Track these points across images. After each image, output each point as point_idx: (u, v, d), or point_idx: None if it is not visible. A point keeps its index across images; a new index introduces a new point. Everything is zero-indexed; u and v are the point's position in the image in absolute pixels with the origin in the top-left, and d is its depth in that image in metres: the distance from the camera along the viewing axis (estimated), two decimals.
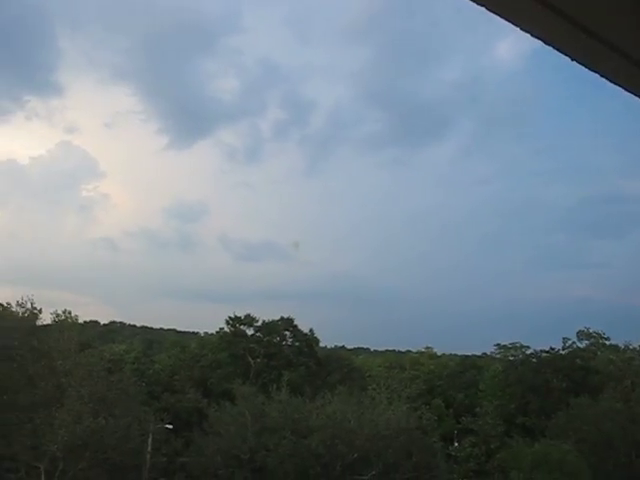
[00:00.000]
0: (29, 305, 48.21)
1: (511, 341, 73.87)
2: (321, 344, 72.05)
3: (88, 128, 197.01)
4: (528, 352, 71.18)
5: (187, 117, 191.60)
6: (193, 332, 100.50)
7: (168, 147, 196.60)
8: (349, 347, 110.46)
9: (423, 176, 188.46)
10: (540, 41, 2.51)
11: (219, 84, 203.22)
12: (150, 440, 44.94)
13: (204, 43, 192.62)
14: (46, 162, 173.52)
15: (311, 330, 69.51)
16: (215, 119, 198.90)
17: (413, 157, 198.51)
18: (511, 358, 72.05)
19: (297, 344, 68.74)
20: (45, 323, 50.91)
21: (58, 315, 52.94)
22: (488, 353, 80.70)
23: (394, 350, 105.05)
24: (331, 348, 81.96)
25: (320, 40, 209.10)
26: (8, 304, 49.52)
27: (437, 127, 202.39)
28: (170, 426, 48.17)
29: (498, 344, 74.32)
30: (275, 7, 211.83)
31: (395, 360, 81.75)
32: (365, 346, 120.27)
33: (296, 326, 69.30)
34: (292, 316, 69.55)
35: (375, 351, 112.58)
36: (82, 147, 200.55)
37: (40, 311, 49.36)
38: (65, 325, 50.79)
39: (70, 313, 53.88)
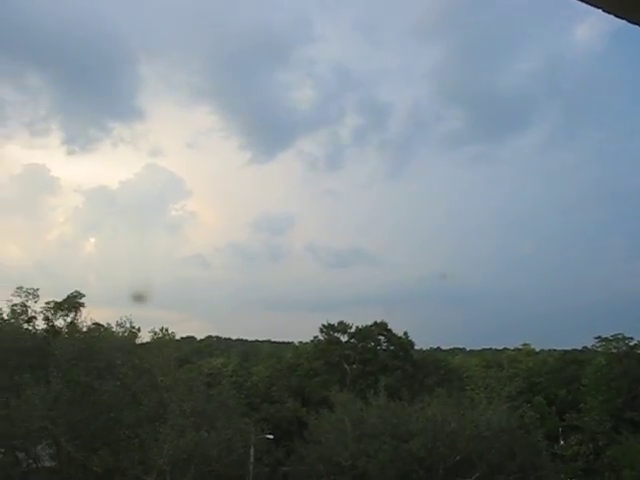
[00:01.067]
0: (128, 325, 49.65)
1: (612, 333, 71.06)
2: (416, 347, 71.34)
3: (172, 149, 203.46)
4: (632, 344, 68.23)
5: (267, 130, 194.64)
6: (287, 342, 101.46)
7: (251, 162, 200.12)
8: (444, 348, 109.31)
9: (506, 170, 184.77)
10: (624, 20, 2.29)
11: (296, 95, 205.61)
12: (252, 451, 45.48)
13: (278, 55, 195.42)
14: (134, 185, 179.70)
15: (405, 333, 68.98)
16: (294, 130, 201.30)
17: (495, 152, 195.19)
18: (614, 351, 69.06)
19: (392, 348, 68.28)
20: (144, 341, 52.37)
21: (156, 333, 54.30)
22: (589, 347, 77.78)
23: (490, 348, 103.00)
24: (426, 350, 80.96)
25: (391, 41, 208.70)
26: (109, 325, 51.20)
27: (517, 119, 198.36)
28: (271, 436, 48.63)
29: (599, 337, 71.47)
30: (343, 12, 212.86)
31: (492, 359, 79.98)
32: (461, 346, 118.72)
33: (390, 330, 68.88)
34: (385, 320, 69.27)
35: (471, 351, 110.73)
36: (168, 168, 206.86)
37: (139, 330, 50.81)
38: (163, 342, 52.06)
39: (167, 330, 55.20)
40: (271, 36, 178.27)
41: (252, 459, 45.49)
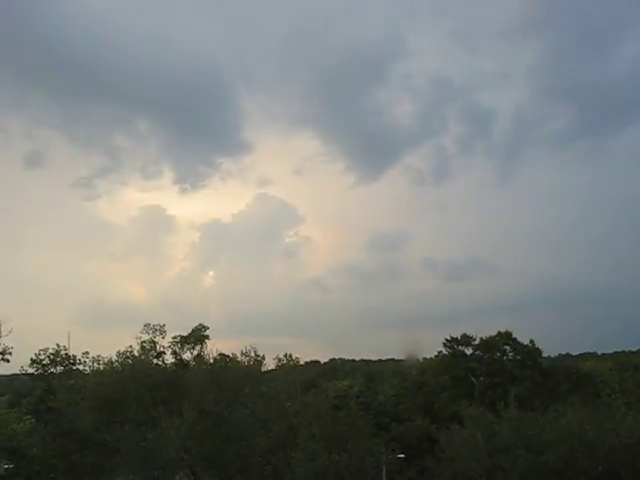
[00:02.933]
0: (253, 353, 50.78)
1: None
2: (544, 354, 69.09)
3: (279, 178, 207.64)
4: None
5: (370, 149, 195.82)
6: None
7: (357, 182, 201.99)
8: (574, 354, 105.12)
9: (624, 161, 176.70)
10: None
11: (396, 110, 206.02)
12: (384, 472, 45.23)
13: (374, 73, 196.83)
14: (247, 216, 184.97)
15: (531, 341, 67.00)
16: (398, 146, 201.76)
17: (608, 143, 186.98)
18: None
19: (518, 358, 66.46)
20: (269, 369, 53.33)
21: (280, 360, 55.27)
22: None
23: (623, 351, 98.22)
24: (555, 357, 78.31)
25: (487, 46, 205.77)
26: (234, 355, 52.50)
27: (629, 108, 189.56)
28: (402, 455, 48.20)
29: None
30: (436, 23, 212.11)
31: (627, 361, 76.15)
32: (591, 350, 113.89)
33: (515, 339, 67.14)
34: (509, 329, 67.57)
35: (603, 354, 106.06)
36: (277, 196, 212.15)
37: (263, 358, 51.82)
38: (288, 368, 52.89)
39: (291, 356, 56.06)
40: (366, 55, 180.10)
41: None
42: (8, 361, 48.66)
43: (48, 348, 48.67)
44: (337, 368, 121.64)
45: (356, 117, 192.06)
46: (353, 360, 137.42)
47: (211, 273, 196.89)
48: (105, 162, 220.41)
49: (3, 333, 47.69)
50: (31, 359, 48.50)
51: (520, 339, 66.98)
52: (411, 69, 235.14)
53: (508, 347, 67.33)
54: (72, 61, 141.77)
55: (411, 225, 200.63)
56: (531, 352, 66.15)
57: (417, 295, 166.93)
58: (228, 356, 52.63)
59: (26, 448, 38.00)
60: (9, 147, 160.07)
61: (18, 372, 50.73)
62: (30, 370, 48.79)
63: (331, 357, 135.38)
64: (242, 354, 50.46)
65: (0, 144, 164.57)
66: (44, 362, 48.40)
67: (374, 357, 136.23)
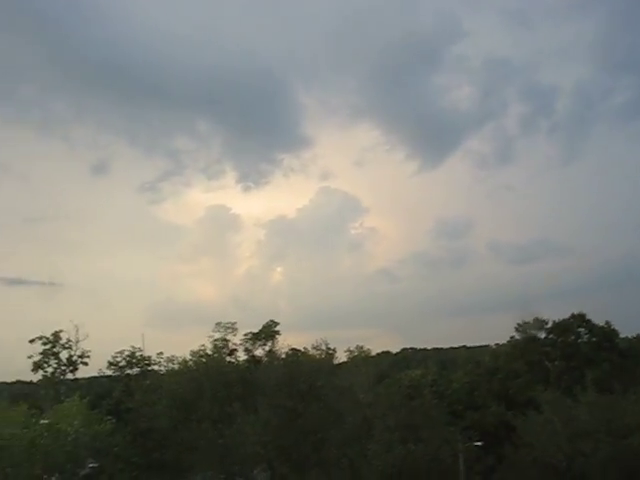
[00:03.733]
0: (324, 347, 51.19)
1: None
2: (621, 335, 67.09)
3: (341, 170, 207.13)
4: None
5: (431, 136, 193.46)
6: (484, 345, 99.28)
7: (419, 170, 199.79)
8: None
9: None
10: None
11: (454, 95, 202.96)
12: (461, 460, 44.85)
13: (430, 58, 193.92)
14: (311, 210, 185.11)
15: (607, 322, 65.16)
16: (458, 130, 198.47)
17: None
18: None
19: (594, 339, 64.75)
20: (341, 361, 53.62)
21: (352, 352, 55.54)
22: None
23: None
24: (633, 338, 75.96)
25: (544, 22, 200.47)
26: (305, 349, 52.99)
27: None
28: (479, 443, 47.66)
29: None
30: (489, 1, 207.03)
31: None
32: None
33: (589, 321, 65.39)
34: (583, 311, 65.90)
35: None
36: (340, 189, 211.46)
37: (335, 350, 52.21)
38: (360, 360, 53.07)
39: (362, 348, 56.25)
40: (420, 40, 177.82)
41: (462, 468, 44.83)
42: (87, 364, 50.56)
43: (124, 350, 50.16)
44: (409, 357, 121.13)
45: (414, 104, 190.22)
46: (425, 349, 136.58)
47: (279, 269, 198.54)
48: (168, 165, 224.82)
49: (80, 338, 49.62)
50: (108, 362, 50.08)
51: (595, 320, 65.24)
52: (467, 51, 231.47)
53: (582, 329, 65.65)
54: (129, 68, 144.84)
55: (476, 210, 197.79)
56: (607, 333, 64.31)
57: (485, 280, 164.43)
58: (300, 350, 53.19)
59: (109, 447, 39.16)
60: (75, 156, 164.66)
61: (97, 374, 52.30)
62: (108, 372, 50.33)
63: (402, 347, 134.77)
64: (313, 348, 50.97)
65: (66, 153, 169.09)
66: (121, 364, 49.85)
67: (445, 345, 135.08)
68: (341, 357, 55.53)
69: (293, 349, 53.12)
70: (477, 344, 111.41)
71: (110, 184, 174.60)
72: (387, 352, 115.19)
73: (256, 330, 54.19)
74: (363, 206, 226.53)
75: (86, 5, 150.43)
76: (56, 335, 49.14)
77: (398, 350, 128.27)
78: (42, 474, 35.94)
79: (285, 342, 52.50)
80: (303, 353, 52.94)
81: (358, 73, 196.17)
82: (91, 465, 39.34)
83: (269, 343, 53.17)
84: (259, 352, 53.53)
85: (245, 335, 53.56)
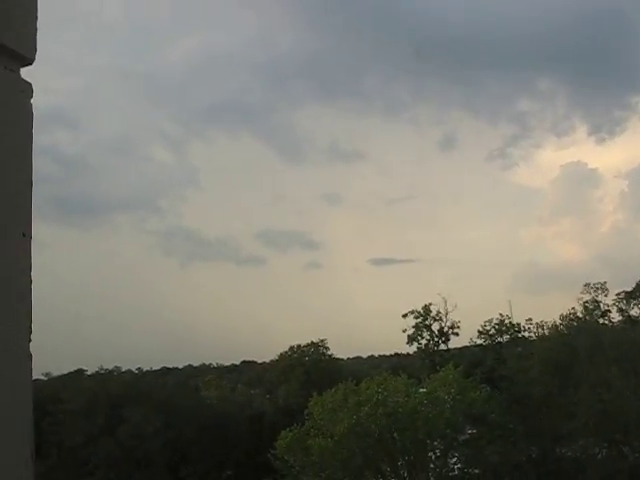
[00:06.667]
0: None
1: None
2: None
3: None
4: None
5: None
6: None
7: None
8: None
9: None
10: None
11: None
12: None
13: None
14: None
15: None
16: None
17: None
18: None
19: None
20: None
21: None
22: None
23: None
24: None
25: None
26: None
27: None
28: None
29: None
30: None
31: None
32: None
33: None
34: None
35: None
36: None
37: None
38: None
39: None
40: None
41: None
42: (457, 334, 52.86)
43: (492, 319, 51.06)
44: None
45: None
46: None
47: None
48: (514, 129, 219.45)
49: (449, 309, 52.10)
50: (478, 331, 51.43)
51: None
52: None
53: None
54: (460, 41, 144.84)
55: None
56: None
57: None
58: None
59: (485, 415, 40.57)
60: (422, 135, 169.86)
61: (468, 344, 54.22)
62: (479, 341, 51.90)
63: None
64: None
65: (414, 134, 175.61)
66: (490, 332, 50.93)
67: None
68: None
69: None
70: None
71: (458, 157, 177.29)
72: None
73: (629, 289, 51.49)
74: None
75: None
76: (426, 308, 51.96)
77: None
78: (425, 439, 38.77)
79: None
80: None
81: None
82: (469, 431, 41.20)
83: None
84: (634, 312, 50.77)
85: (617, 295, 51.13)
